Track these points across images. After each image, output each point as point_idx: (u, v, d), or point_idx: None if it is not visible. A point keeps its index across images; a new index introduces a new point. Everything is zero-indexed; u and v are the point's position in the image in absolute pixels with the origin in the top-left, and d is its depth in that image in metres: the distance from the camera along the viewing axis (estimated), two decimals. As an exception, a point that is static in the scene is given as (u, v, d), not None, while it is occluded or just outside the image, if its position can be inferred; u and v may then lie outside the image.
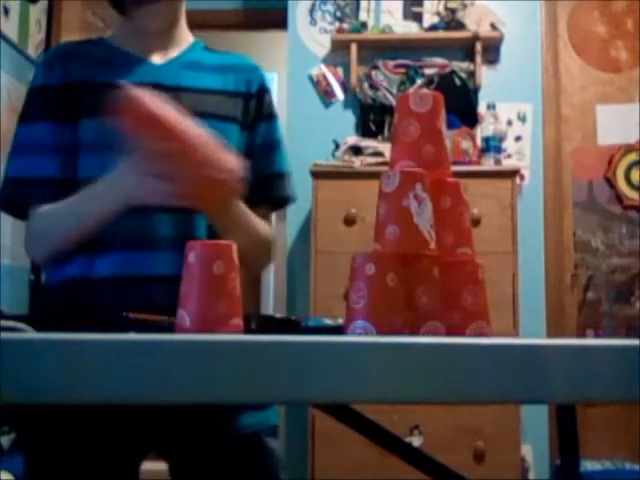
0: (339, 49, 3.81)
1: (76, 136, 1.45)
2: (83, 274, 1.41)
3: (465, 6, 3.82)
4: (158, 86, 1.46)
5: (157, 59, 1.52)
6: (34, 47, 3.44)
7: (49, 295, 1.49)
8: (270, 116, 1.59)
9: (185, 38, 1.58)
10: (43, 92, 1.49)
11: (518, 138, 3.79)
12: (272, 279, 5.01)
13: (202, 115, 1.46)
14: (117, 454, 1.40)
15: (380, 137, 3.69)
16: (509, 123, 3.78)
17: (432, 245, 1.01)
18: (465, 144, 3.49)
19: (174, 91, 1.47)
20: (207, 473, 1.43)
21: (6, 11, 3.19)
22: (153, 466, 1.57)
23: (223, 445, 1.43)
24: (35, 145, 1.48)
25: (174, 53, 1.54)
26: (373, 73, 3.79)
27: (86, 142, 1.44)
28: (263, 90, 1.58)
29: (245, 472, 1.44)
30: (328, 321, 1.19)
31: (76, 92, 1.46)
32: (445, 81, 3.70)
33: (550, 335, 3.65)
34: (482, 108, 3.70)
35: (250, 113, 1.55)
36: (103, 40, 1.57)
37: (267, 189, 1.56)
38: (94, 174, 1.38)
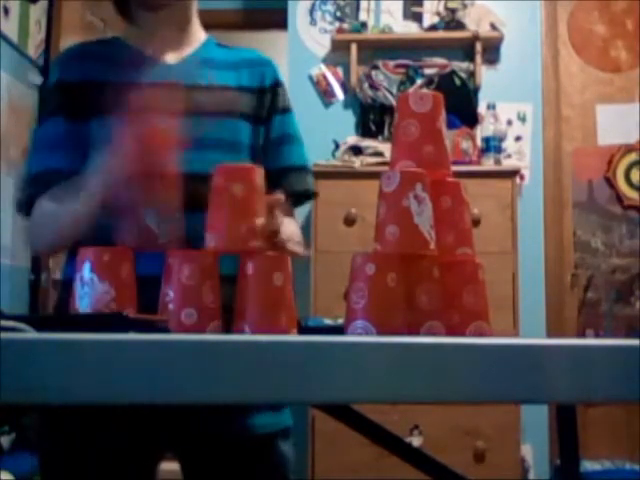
0: (339, 49, 3.81)
1: (88, 133, 1.45)
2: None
3: (465, 6, 3.82)
4: (173, 85, 1.47)
5: (171, 58, 1.53)
6: (34, 47, 3.44)
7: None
8: (284, 110, 1.58)
9: (198, 36, 1.59)
10: (59, 88, 1.50)
11: (518, 138, 3.78)
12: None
13: (216, 113, 1.47)
14: (134, 454, 1.40)
15: (380, 137, 3.69)
16: (509, 123, 3.77)
17: (432, 245, 1.01)
18: (465, 144, 3.49)
19: (188, 90, 1.47)
20: (219, 473, 1.43)
21: (6, 11, 3.19)
22: (167, 466, 1.57)
23: (236, 445, 1.42)
24: (51, 141, 1.49)
25: (187, 51, 1.55)
26: (373, 73, 3.78)
27: (97, 140, 1.44)
28: (277, 84, 1.58)
29: (256, 473, 1.44)
30: (328, 321, 1.19)
31: (91, 91, 1.46)
32: (445, 81, 3.70)
33: (550, 335, 3.64)
34: (482, 108, 3.70)
35: (265, 107, 1.54)
36: (118, 40, 1.57)
37: (284, 183, 1.52)
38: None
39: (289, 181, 1.55)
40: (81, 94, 1.47)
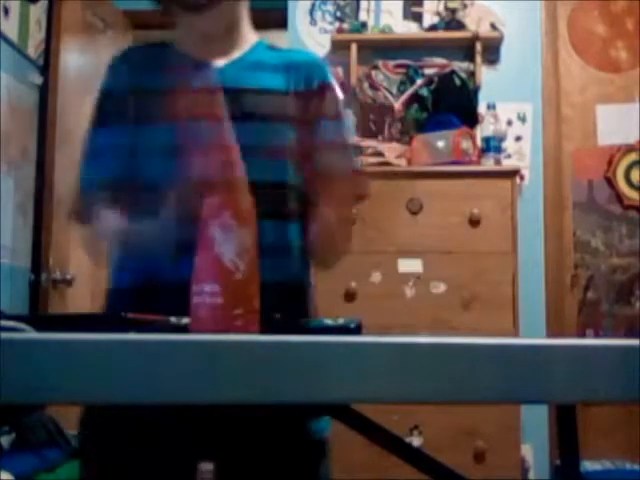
0: (339, 49, 3.81)
1: (138, 140, 1.47)
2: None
3: (465, 6, 3.82)
4: (220, 89, 1.47)
5: (220, 61, 1.53)
6: (34, 47, 3.44)
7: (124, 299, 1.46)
8: (333, 116, 1.55)
9: (248, 38, 1.58)
10: (109, 96, 1.53)
11: (518, 138, 3.78)
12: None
13: (261, 117, 1.47)
14: (175, 457, 1.39)
15: (380, 137, 3.69)
16: (509, 123, 3.77)
17: None
18: (465, 144, 3.48)
19: (235, 93, 1.48)
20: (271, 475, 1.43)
21: (6, 11, 3.19)
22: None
23: (292, 449, 1.43)
24: (102, 149, 1.51)
25: (237, 54, 1.55)
26: (373, 73, 3.78)
27: (146, 146, 1.46)
28: (324, 87, 1.55)
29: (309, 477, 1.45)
30: (328, 321, 1.19)
31: (140, 98, 1.48)
32: (445, 81, 3.70)
33: (550, 335, 3.64)
34: (482, 108, 3.70)
35: (311, 111, 1.52)
36: (167, 45, 1.57)
37: (328, 188, 1.52)
38: (152, 178, 1.42)
39: (333, 187, 1.53)
40: (131, 101, 1.48)
